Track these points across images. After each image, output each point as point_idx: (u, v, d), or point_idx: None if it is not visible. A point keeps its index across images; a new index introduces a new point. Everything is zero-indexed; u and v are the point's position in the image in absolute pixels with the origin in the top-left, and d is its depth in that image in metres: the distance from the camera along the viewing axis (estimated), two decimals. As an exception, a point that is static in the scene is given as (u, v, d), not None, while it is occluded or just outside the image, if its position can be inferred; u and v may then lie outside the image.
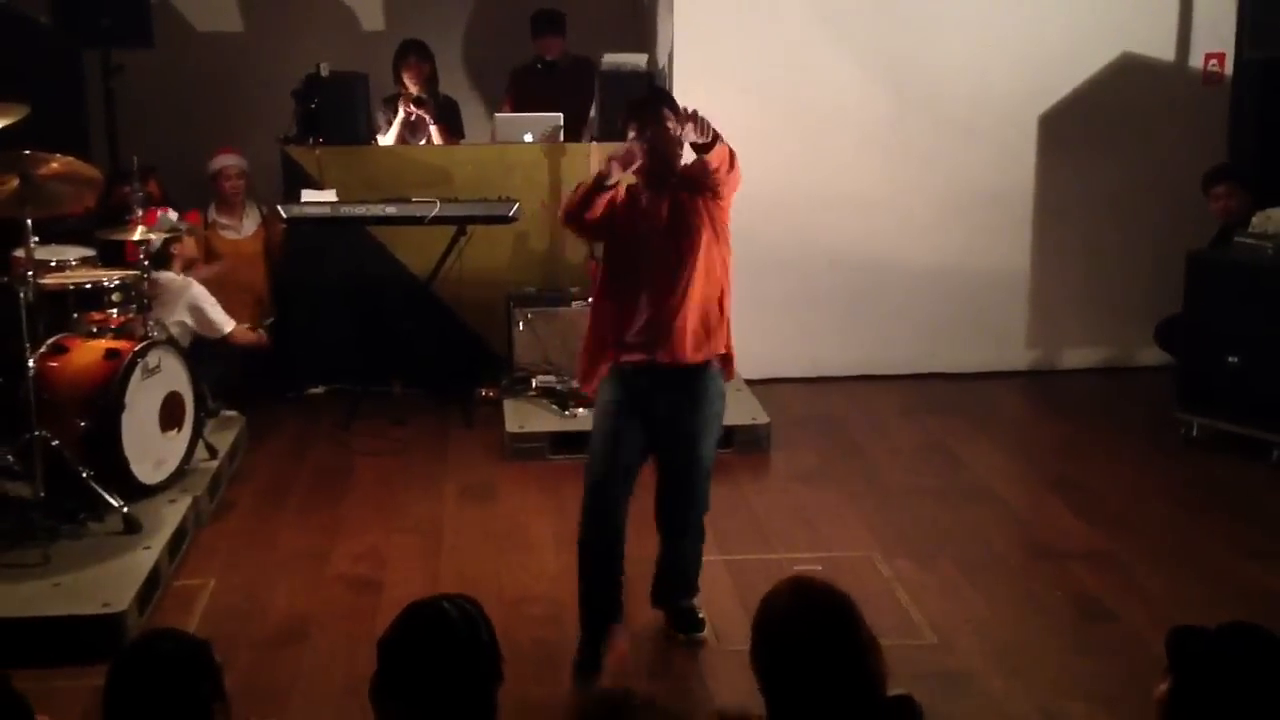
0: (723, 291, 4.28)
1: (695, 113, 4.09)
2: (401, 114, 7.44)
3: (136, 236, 5.64)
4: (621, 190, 4.26)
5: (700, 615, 4.54)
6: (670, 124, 4.16)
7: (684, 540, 4.43)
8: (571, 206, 4.25)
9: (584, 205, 4.19)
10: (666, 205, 4.22)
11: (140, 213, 5.70)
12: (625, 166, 4.16)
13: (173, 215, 6.30)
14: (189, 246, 6.58)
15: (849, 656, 2.37)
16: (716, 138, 4.11)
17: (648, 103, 4.35)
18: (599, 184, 4.15)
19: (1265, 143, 7.19)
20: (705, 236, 4.20)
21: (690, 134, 4.10)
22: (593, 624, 4.26)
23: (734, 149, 4.17)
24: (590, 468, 4.28)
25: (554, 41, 7.81)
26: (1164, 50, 7.48)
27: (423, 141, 7.53)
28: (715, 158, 4.13)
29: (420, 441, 6.54)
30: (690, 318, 4.18)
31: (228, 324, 6.45)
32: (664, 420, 4.25)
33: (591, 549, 4.25)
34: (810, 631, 2.39)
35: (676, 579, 4.51)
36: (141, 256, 5.68)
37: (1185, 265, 6.42)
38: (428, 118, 7.48)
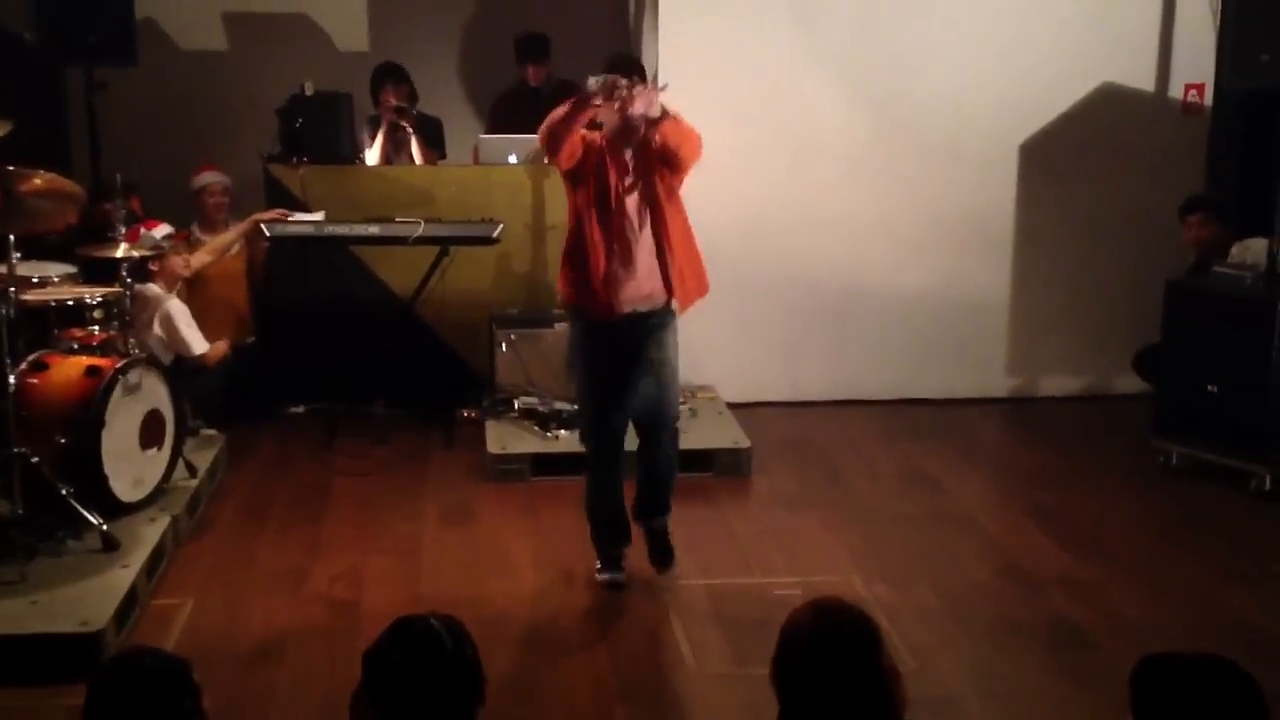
0: (673, 241, 4.81)
1: (654, 89, 4.65)
2: (385, 124, 7.47)
3: (119, 253, 5.63)
4: (602, 114, 4.69)
5: (671, 545, 5.12)
6: (636, 89, 4.60)
7: (663, 436, 5.01)
8: (555, 122, 4.66)
9: (566, 121, 4.62)
10: (630, 166, 4.76)
11: (123, 230, 5.69)
12: (608, 94, 4.59)
13: (162, 230, 6.30)
14: (176, 265, 6.55)
15: (871, 680, 2.38)
16: (664, 116, 4.60)
17: (629, 61, 4.93)
18: (583, 100, 4.59)
19: (1244, 173, 7.24)
20: (661, 198, 4.75)
21: (640, 105, 4.59)
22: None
23: (695, 130, 4.69)
24: (592, 400, 4.93)
25: (538, 68, 7.85)
26: (1144, 80, 7.54)
27: (406, 159, 7.54)
28: (673, 137, 4.64)
29: (401, 462, 6.53)
30: (650, 266, 4.78)
31: (199, 345, 6.44)
32: (638, 348, 4.84)
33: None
34: (834, 653, 2.40)
35: (656, 490, 5.07)
36: (123, 272, 5.67)
37: (1164, 294, 6.46)
38: (409, 128, 7.49)
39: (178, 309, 6.41)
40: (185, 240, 6.98)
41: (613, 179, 4.76)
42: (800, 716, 2.42)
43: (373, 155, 7.48)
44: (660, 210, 4.78)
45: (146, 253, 5.98)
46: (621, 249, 4.77)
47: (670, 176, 4.79)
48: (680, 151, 4.70)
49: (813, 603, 2.53)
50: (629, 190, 4.78)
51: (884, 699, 2.39)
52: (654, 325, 4.86)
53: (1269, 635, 4.65)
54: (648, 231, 4.79)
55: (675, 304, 4.91)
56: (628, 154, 4.78)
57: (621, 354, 4.86)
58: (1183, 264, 6.82)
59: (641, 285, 4.80)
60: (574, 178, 4.83)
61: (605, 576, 5.07)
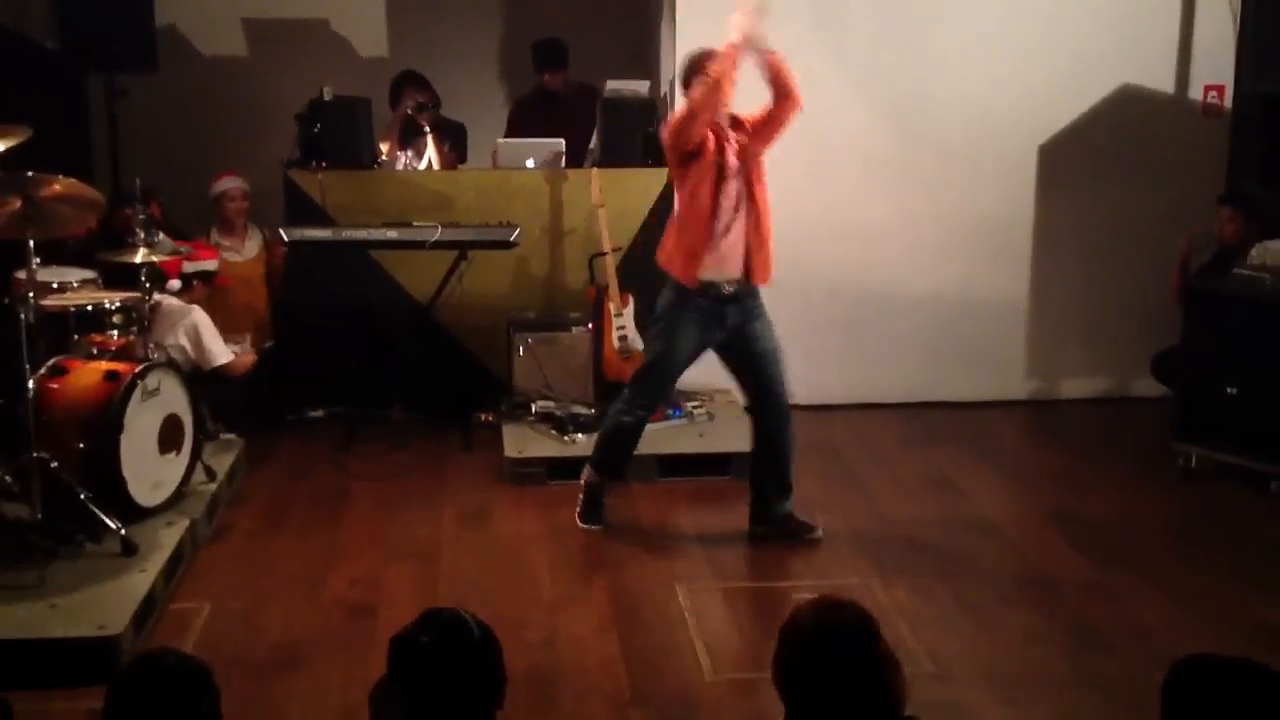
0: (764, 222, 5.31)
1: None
2: (401, 115, 7.53)
3: (139, 259, 5.66)
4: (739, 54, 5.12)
5: (801, 518, 5.53)
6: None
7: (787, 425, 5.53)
8: (717, 77, 5.05)
9: (727, 71, 5.06)
10: (733, 149, 5.23)
11: (141, 234, 5.71)
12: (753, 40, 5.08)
13: (208, 264, 6.50)
14: (201, 295, 6.69)
15: (870, 673, 2.40)
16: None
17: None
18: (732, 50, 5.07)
19: (1265, 176, 7.20)
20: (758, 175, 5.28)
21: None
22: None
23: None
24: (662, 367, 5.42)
25: (555, 75, 7.87)
26: (1164, 83, 7.51)
27: (424, 162, 7.57)
28: (785, 67, 5.20)
29: (419, 466, 6.54)
30: (762, 245, 5.26)
31: (223, 355, 6.45)
32: (736, 328, 5.34)
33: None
34: (833, 647, 2.42)
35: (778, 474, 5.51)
36: (143, 278, 5.70)
37: (1184, 296, 6.43)
38: (426, 126, 7.52)
39: (204, 320, 6.41)
40: (214, 256, 7.03)
41: (728, 156, 5.21)
42: (805, 714, 2.43)
43: (387, 145, 7.52)
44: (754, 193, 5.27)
45: (165, 257, 6.01)
46: (727, 224, 5.22)
47: (765, 144, 5.30)
48: (791, 82, 5.20)
49: (812, 601, 2.55)
50: (735, 172, 5.23)
51: (884, 688, 2.40)
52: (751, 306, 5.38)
53: (1290, 639, 4.63)
54: (743, 212, 5.25)
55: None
56: (733, 139, 5.24)
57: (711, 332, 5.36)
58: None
59: (734, 261, 5.26)
60: (691, 156, 5.18)
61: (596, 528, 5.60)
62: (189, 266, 6.63)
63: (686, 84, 5.25)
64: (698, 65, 5.18)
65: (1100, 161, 7.53)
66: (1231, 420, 6.16)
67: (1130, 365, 7.59)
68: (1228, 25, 7.40)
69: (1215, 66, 7.47)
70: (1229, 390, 6.14)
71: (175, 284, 6.54)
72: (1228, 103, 7.51)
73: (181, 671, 2.52)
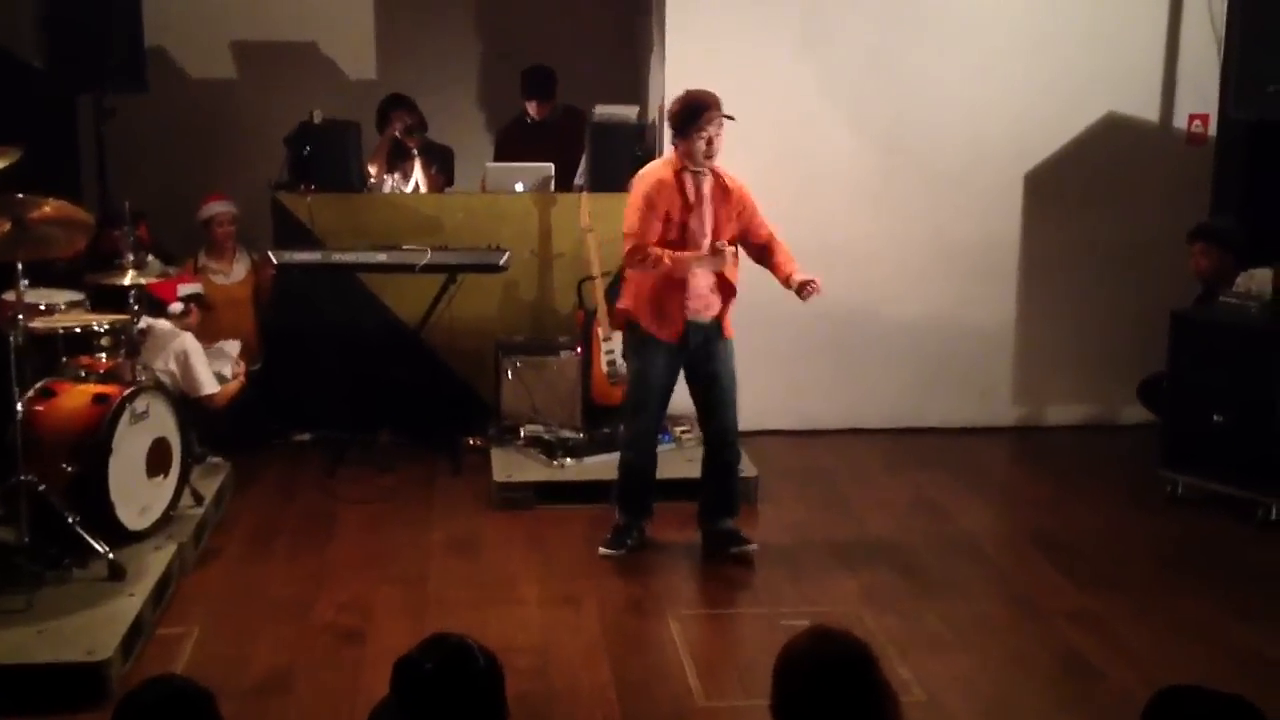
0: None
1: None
2: (388, 137, 7.55)
3: (127, 281, 5.65)
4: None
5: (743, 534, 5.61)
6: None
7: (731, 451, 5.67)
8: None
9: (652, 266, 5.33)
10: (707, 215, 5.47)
11: (130, 256, 5.70)
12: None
13: (192, 288, 6.60)
14: (195, 320, 6.69)
15: (868, 705, 2.38)
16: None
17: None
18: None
19: (1249, 203, 7.26)
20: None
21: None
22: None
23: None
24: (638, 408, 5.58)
25: (542, 105, 7.91)
26: (1148, 110, 7.57)
27: (410, 185, 7.58)
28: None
29: (407, 490, 6.53)
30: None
31: (210, 386, 6.42)
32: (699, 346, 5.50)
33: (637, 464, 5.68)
34: (830, 679, 2.41)
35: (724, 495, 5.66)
36: (132, 301, 5.68)
37: (1170, 324, 6.46)
38: (414, 148, 7.53)
39: (194, 347, 6.38)
40: (192, 268, 7.03)
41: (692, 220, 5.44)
42: None
43: (375, 167, 7.53)
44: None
45: (154, 280, 6.00)
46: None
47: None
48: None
49: (808, 630, 2.54)
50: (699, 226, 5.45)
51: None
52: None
53: (1276, 665, 4.64)
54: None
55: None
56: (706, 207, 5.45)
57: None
58: (1188, 293, 6.85)
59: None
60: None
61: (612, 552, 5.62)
62: (184, 289, 6.63)
63: (674, 129, 5.38)
64: (682, 118, 5.36)
65: (1086, 188, 7.57)
66: (1218, 448, 6.19)
67: (1117, 391, 7.61)
68: (1212, 53, 7.47)
69: (1200, 95, 7.53)
70: (1216, 418, 6.16)
71: (177, 306, 6.54)
72: (1212, 131, 7.57)
73: (186, 695, 2.52)
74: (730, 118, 5.34)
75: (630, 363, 5.66)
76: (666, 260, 5.26)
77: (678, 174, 5.36)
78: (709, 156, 5.34)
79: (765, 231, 5.60)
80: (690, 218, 5.36)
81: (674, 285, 5.37)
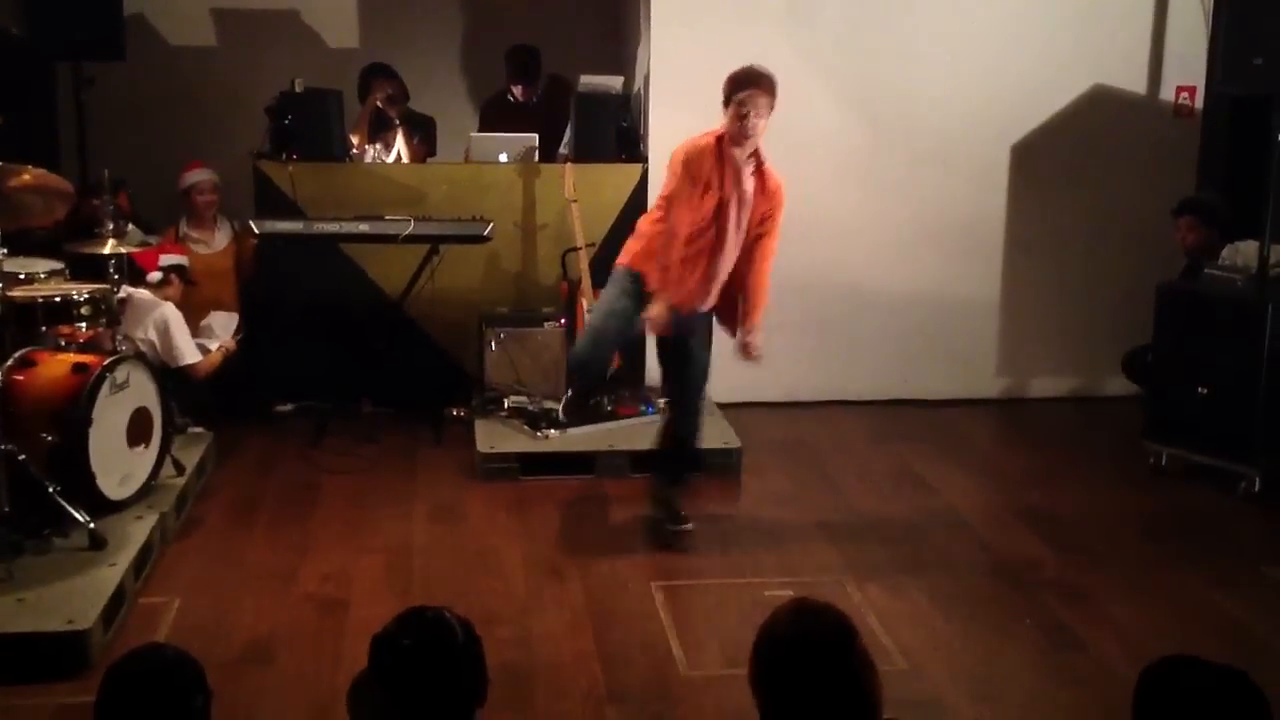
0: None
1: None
2: (370, 108, 7.50)
3: (107, 249, 5.60)
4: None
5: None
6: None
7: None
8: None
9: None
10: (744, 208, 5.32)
11: (110, 225, 5.66)
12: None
13: (174, 259, 6.53)
14: (176, 292, 6.60)
15: (847, 676, 2.37)
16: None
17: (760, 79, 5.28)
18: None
19: (1235, 176, 7.25)
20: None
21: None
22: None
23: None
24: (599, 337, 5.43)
25: (527, 88, 7.88)
26: (1135, 83, 7.55)
27: (392, 155, 7.53)
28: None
29: (390, 460, 6.50)
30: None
31: (191, 355, 6.37)
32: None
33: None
34: (809, 650, 2.40)
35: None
36: (112, 270, 5.64)
37: (1155, 296, 6.46)
38: (395, 119, 7.49)
39: (175, 317, 6.33)
40: (174, 237, 6.99)
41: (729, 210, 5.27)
42: (780, 715, 2.41)
43: (357, 137, 7.49)
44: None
45: (134, 249, 5.95)
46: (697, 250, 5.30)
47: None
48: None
49: (789, 603, 2.53)
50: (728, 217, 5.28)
51: (861, 694, 2.38)
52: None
53: (1258, 637, 4.66)
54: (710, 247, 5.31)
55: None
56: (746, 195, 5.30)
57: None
58: (1173, 266, 6.83)
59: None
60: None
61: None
62: (166, 260, 6.59)
63: (726, 101, 5.25)
64: (725, 87, 5.29)
65: (1072, 161, 7.56)
66: (1202, 420, 6.20)
67: (1101, 364, 7.62)
68: (1199, 26, 7.45)
69: (1187, 67, 7.51)
70: (1200, 390, 6.17)
71: (155, 275, 6.49)
72: (1199, 104, 7.56)
73: (181, 661, 2.51)
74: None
75: (606, 291, 5.46)
76: (664, 272, 5.17)
77: (719, 141, 5.25)
78: (744, 135, 5.19)
79: (765, 251, 5.40)
80: (730, 200, 5.23)
81: (692, 269, 5.26)
